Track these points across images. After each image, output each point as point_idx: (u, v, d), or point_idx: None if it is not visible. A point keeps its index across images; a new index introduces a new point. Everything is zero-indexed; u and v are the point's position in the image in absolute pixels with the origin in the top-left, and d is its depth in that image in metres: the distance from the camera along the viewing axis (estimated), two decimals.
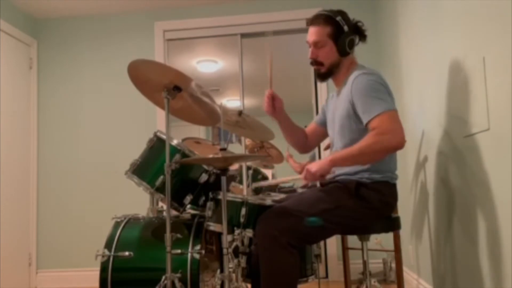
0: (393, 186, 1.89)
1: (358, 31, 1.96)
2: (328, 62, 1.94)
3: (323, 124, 2.19)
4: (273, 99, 2.07)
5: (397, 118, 1.73)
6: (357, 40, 1.97)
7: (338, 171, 1.92)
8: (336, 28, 1.90)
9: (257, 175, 3.01)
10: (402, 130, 1.71)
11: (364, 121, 1.77)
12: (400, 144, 1.70)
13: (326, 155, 2.21)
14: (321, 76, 1.99)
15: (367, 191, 1.80)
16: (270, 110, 2.08)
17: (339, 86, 2.01)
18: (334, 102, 2.05)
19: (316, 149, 3.72)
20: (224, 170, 1.80)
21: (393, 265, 3.14)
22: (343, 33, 1.90)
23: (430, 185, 2.44)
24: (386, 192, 1.85)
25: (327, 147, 2.14)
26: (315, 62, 1.96)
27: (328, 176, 1.83)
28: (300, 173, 1.99)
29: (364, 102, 1.77)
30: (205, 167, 2.12)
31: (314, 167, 1.76)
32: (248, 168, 2.79)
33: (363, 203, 1.80)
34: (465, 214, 1.94)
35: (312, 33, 1.94)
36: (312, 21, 1.95)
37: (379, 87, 1.78)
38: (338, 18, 1.91)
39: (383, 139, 1.69)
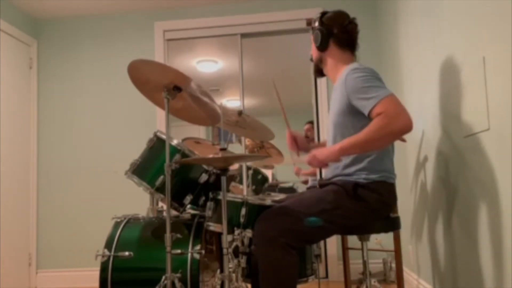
0: (391, 185, 1.89)
1: (331, 26, 1.99)
2: (314, 58, 2.10)
3: None
4: (295, 139, 2.16)
5: (399, 101, 1.71)
6: (340, 33, 1.98)
7: (336, 172, 1.92)
8: (312, 25, 2.09)
9: (257, 175, 3.01)
10: (407, 112, 1.68)
11: (367, 112, 1.74)
12: (409, 126, 1.66)
13: None
14: (314, 71, 2.16)
15: (365, 191, 1.80)
16: (296, 149, 2.16)
17: (334, 82, 2.06)
18: (331, 100, 2.07)
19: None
20: (224, 170, 1.80)
21: (393, 265, 3.14)
22: (313, 29, 2.06)
23: (430, 185, 2.44)
24: (384, 192, 1.85)
25: (324, 144, 2.15)
26: (311, 59, 2.14)
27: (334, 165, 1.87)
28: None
29: (362, 93, 1.76)
30: (205, 167, 2.12)
31: (322, 155, 1.76)
32: (248, 168, 2.79)
33: (361, 203, 1.80)
34: (465, 214, 1.94)
35: None
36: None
37: (371, 78, 1.79)
38: (316, 17, 2.06)
39: (391, 122, 1.66)
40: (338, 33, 1.98)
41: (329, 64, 2.03)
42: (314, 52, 2.08)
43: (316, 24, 2.03)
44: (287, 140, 2.16)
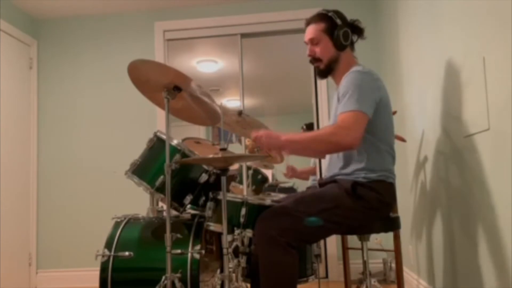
0: (390, 185, 1.89)
1: (353, 27, 1.98)
2: (326, 57, 1.96)
3: None
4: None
5: (362, 121, 1.74)
6: (354, 37, 1.99)
7: (335, 171, 1.93)
8: (330, 23, 1.95)
9: (257, 175, 3.01)
10: (360, 133, 1.73)
11: (338, 114, 1.80)
12: (353, 144, 1.72)
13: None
14: (321, 73, 2.01)
15: (364, 190, 1.80)
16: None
17: (338, 84, 2.02)
18: (334, 102, 2.06)
19: None
20: (224, 170, 1.80)
21: (393, 265, 3.14)
22: (336, 26, 1.93)
23: (430, 185, 2.44)
24: (383, 191, 1.85)
25: None
26: (314, 59, 1.99)
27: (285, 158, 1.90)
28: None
29: (344, 97, 1.79)
30: (205, 167, 2.12)
31: (268, 137, 1.79)
32: (248, 168, 2.79)
33: (361, 203, 1.80)
34: (465, 214, 1.94)
35: (308, 32, 2.00)
36: (307, 21, 2.02)
37: (364, 87, 1.79)
38: (331, 14, 1.96)
39: (339, 133, 1.72)
40: (353, 33, 1.98)
41: (343, 65, 1.96)
42: (327, 50, 1.94)
43: (339, 21, 1.94)
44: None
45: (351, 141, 1.71)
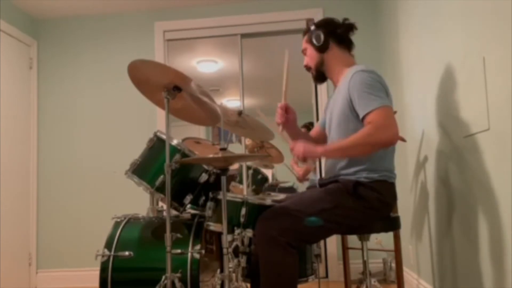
0: (391, 185, 1.90)
1: (332, 27, 2.01)
2: (313, 64, 2.07)
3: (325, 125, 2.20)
4: (286, 111, 2.09)
5: (392, 114, 1.77)
6: (340, 33, 2.01)
7: (337, 171, 1.92)
8: (308, 31, 2.07)
9: (257, 175, 3.01)
10: (396, 126, 1.74)
11: (361, 115, 1.79)
12: (393, 139, 1.75)
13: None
14: (315, 79, 2.12)
15: (366, 190, 1.81)
16: (283, 121, 2.07)
17: (336, 84, 2.05)
18: (332, 101, 2.06)
19: None
20: (224, 170, 1.80)
21: (393, 265, 3.14)
22: (310, 32, 2.04)
23: (430, 185, 2.44)
24: (385, 191, 1.85)
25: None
26: (307, 69, 2.11)
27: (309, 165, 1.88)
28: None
29: (361, 97, 1.79)
30: (205, 167, 2.12)
31: (306, 148, 1.81)
32: (248, 168, 2.79)
33: (362, 202, 1.80)
34: (465, 214, 1.94)
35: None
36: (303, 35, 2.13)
37: (376, 84, 1.81)
38: (310, 23, 2.07)
39: (377, 132, 1.72)
40: (336, 32, 2.01)
41: (332, 65, 2.02)
42: (312, 57, 2.04)
43: (313, 27, 2.03)
44: (278, 110, 2.06)
45: (391, 136, 1.73)
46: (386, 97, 1.82)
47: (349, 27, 2.01)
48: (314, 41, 2.01)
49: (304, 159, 1.82)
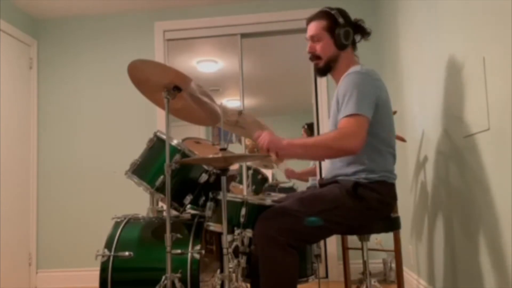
0: (391, 185, 1.89)
1: (356, 26, 1.97)
2: (325, 56, 1.95)
3: None
4: None
5: (363, 124, 1.73)
6: (357, 37, 1.98)
7: (336, 171, 1.92)
8: (331, 21, 1.93)
9: (257, 175, 3.01)
10: (363, 138, 1.71)
11: (339, 117, 1.78)
12: (355, 150, 1.70)
13: None
14: (320, 70, 2.01)
15: (365, 191, 1.80)
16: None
17: (338, 83, 2.02)
18: (334, 102, 2.06)
19: None
20: (224, 170, 1.80)
21: (393, 265, 3.14)
22: (338, 25, 1.91)
23: (430, 185, 2.44)
24: (384, 192, 1.85)
25: None
26: (313, 56, 1.98)
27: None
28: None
29: (344, 100, 1.78)
30: (205, 167, 2.12)
31: (270, 138, 1.75)
32: (248, 168, 2.79)
33: (361, 203, 1.80)
34: (465, 214, 1.94)
35: (310, 28, 1.98)
36: (310, 18, 2.00)
37: (363, 89, 1.78)
38: (334, 12, 1.94)
39: (342, 139, 1.71)
40: (357, 34, 1.97)
41: (342, 64, 1.96)
42: (327, 49, 1.93)
43: (341, 20, 1.92)
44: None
45: (353, 146, 1.70)
46: (369, 103, 1.77)
47: (367, 33, 1.98)
48: (342, 38, 1.90)
49: (267, 150, 1.76)
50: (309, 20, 2.00)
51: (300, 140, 1.79)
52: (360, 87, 1.77)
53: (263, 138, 1.78)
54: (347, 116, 1.73)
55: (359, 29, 1.97)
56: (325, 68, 1.98)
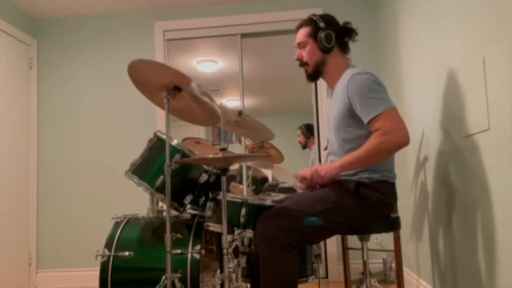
0: (392, 185, 1.90)
1: (340, 29, 1.98)
2: (312, 61, 1.99)
3: None
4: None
5: (398, 116, 1.76)
6: (343, 39, 1.98)
7: None
8: (314, 27, 1.97)
9: (257, 175, 3.01)
10: (405, 127, 1.74)
11: (365, 120, 1.79)
12: (406, 141, 1.74)
13: (325, 155, 2.21)
14: (309, 76, 2.05)
15: (367, 190, 1.81)
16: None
17: (332, 87, 2.03)
18: (330, 104, 2.06)
19: (316, 151, 3.72)
20: (224, 170, 1.80)
21: (393, 265, 3.14)
22: (320, 29, 1.95)
23: (430, 185, 2.44)
24: (386, 191, 1.85)
25: (326, 148, 2.14)
26: (302, 63, 2.03)
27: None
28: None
29: (364, 102, 1.78)
30: (205, 167, 2.12)
31: (323, 170, 1.81)
32: (248, 168, 2.79)
33: (363, 203, 1.81)
34: (465, 214, 1.94)
35: (297, 36, 2.04)
36: (297, 26, 2.05)
37: (375, 86, 1.81)
38: (316, 17, 1.98)
39: (388, 138, 1.72)
40: (342, 36, 1.98)
41: (331, 68, 1.98)
42: (313, 54, 1.97)
43: (322, 24, 1.95)
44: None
45: (402, 137, 1.73)
46: (388, 97, 1.81)
47: (354, 33, 1.98)
48: (324, 41, 1.93)
49: (329, 181, 1.83)
50: (297, 28, 2.05)
51: (350, 157, 1.79)
52: (372, 85, 1.80)
53: (318, 175, 1.82)
54: (378, 115, 1.74)
55: (344, 31, 1.98)
56: (314, 73, 2.02)
